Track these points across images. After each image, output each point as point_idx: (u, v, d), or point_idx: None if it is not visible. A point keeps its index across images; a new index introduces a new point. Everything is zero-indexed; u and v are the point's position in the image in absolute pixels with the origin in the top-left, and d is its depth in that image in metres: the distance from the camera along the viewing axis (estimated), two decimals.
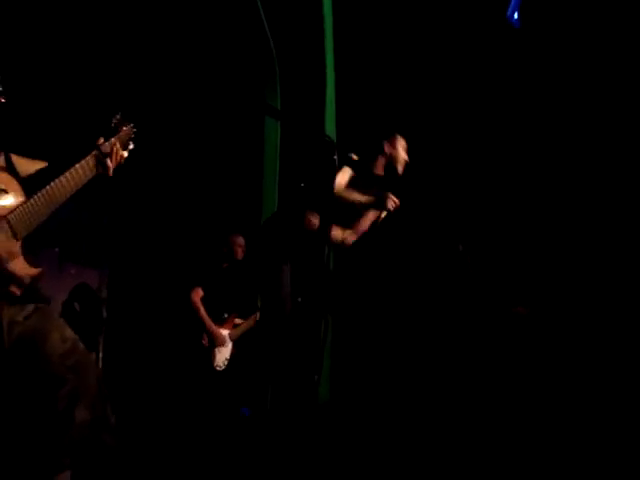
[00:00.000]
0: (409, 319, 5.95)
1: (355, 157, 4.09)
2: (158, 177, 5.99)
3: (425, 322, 5.87)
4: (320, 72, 5.99)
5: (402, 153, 4.36)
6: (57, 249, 5.72)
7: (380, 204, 4.14)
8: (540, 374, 4.95)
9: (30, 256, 2.13)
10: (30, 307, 2.17)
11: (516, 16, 6.32)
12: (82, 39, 4.87)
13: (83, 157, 2.28)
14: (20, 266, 2.07)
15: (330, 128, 5.88)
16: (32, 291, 2.15)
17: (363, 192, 4.15)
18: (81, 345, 2.26)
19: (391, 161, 4.35)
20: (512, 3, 6.32)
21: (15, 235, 2.05)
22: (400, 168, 4.36)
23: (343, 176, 4.14)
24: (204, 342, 5.64)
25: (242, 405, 5.46)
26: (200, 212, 6.31)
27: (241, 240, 5.87)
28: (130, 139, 2.53)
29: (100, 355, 5.68)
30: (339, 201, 4.01)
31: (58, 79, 4.70)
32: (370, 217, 4.28)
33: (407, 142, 4.44)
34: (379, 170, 4.36)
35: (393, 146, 4.35)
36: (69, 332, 2.25)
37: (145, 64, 5.29)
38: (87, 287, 5.86)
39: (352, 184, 4.17)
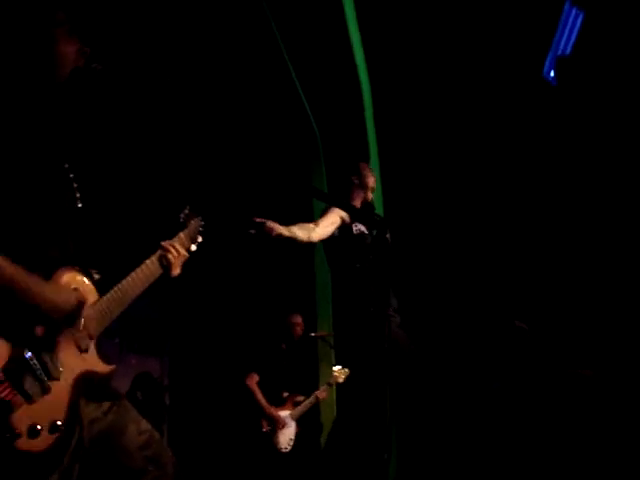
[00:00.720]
0: (468, 389, 5.87)
1: None
2: (213, 265, 6.09)
3: (485, 393, 5.78)
4: (363, 150, 6.10)
5: (369, 180, 4.48)
6: (117, 340, 5.80)
7: None
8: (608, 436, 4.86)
9: (102, 353, 2.16)
10: (107, 403, 2.19)
11: (552, 74, 6.37)
12: (145, 143, 5.06)
13: (152, 254, 2.34)
14: (95, 364, 2.10)
15: (378, 207, 5.96)
16: (107, 387, 2.18)
17: None
18: (157, 435, 2.28)
19: (362, 190, 4.44)
20: (548, 62, 6.39)
21: (89, 334, 2.08)
22: (369, 195, 4.49)
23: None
24: (264, 427, 5.60)
25: None
26: (255, 296, 6.39)
27: (299, 319, 5.92)
28: (198, 232, 2.57)
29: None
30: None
31: (124, 178, 4.88)
32: None
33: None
34: (357, 203, 4.46)
35: (361, 174, 4.47)
36: (144, 423, 2.26)
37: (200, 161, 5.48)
38: (149, 376, 5.90)
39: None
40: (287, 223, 6.41)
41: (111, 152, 4.57)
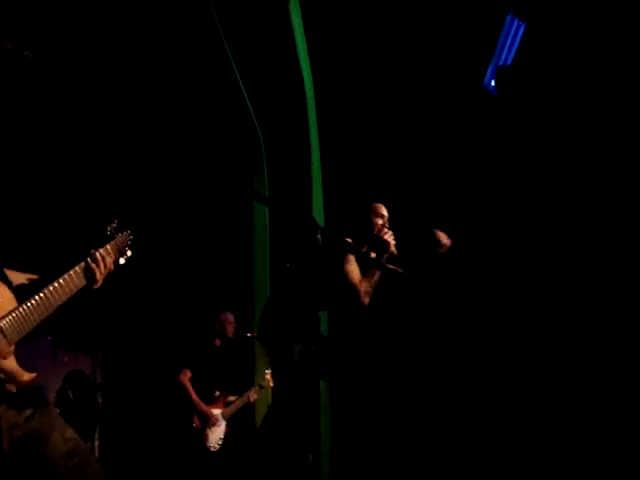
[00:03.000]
0: (412, 384, 5.92)
1: (350, 241, 4.18)
2: (150, 262, 6.06)
3: (429, 388, 5.84)
4: (306, 157, 6.14)
5: (377, 220, 4.37)
6: (50, 337, 5.72)
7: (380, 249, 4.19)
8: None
9: (22, 345, 2.13)
10: (29, 410, 2.16)
11: (493, 84, 6.48)
12: (74, 149, 4.99)
13: (76, 265, 2.29)
14: (14, 370, 2.07)
15: (318, 209, 6.00)
16: (30, 394, 2.15)
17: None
18: (83, 444, 2.26)
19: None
20: (488, 72, 6.49)
21: (7, 341, 2.06)
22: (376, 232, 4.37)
23: (353, 266, 4.16)
24: (195, 423, 5.60)
25: None
26: (193, 295, 6.37)
27: (231, 317, 5.92)
28: (127, 246, 2.54)
29: (96, 443, 5.62)
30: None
31: (53, 188, 4.79)
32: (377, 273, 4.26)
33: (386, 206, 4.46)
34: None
35: (371, 214, 4.39)
36: (70, 432, 2.24)
37: (131, 157, 5.41)
38: (81, 374, 5.84)
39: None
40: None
41: (32, 152, 4.48)
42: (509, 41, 6.44)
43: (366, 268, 4.19)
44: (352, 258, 4.18)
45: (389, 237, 4.21)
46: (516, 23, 6.44)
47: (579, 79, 5.84)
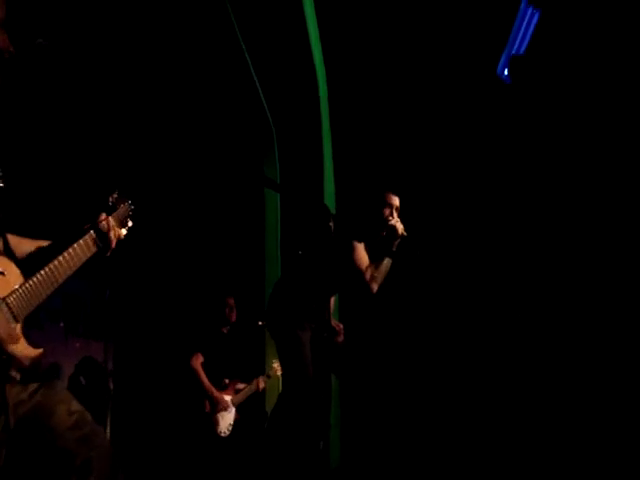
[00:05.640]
0: (419, 379, 5.94)
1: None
2: (161, 249, 6.07)
3: (435, 383, 5.85)
4: (317, 142, 6.12)
5: (385, 209, 4.29)
6: (62, 324, 5.74)
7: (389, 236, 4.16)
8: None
9: (34, 331, 2.13)
10: (34, 385, 2.16)
11: (506, 72, 6.45)
12: (78, 120, 4.98)
13: (80, 237, 2.28)
14: (21, 348, 2.07)
15: (329, 196, 6.00)
16: (34, 372, 2.15)
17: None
18: (89, 416, 2.24)
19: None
20: (502, 60, 6.46)
21: (15, 317, 2.05)
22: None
23: (360, 253, 4.15)
24: (207, 409, 5.62)
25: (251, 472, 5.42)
26: (205, 282, 6.38)
27: (231, 301, 5.88)
28: (128, 217, 2.53)
29: (108, 429, 5.64)
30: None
31: (55, 159, 4.78)
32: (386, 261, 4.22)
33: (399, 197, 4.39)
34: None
35: (381, 203, 4.32)
36: (75, 404, 2.23)
37: (143, 140, 5.41)
38: (92, 360, 5.86)
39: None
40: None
41: (37, 130, 4.47)
42: (523, 29, 6.40)
43: (375, 256, 4.17)
44: (360, 246, 4.17)
45: (395, 222, 4.15)
46: (530, 11, 6.40)
47: (592, 68, 5.81)
